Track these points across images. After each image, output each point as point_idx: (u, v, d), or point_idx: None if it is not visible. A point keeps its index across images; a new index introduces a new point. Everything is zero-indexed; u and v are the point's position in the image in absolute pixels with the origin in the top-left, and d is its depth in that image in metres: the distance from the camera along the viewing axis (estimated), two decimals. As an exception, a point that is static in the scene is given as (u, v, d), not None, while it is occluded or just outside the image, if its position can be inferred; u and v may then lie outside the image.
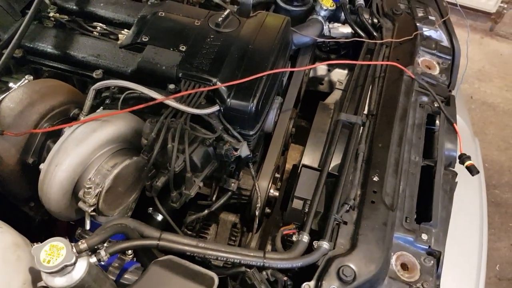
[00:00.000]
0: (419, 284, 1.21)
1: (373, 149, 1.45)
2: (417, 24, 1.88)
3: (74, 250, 0.99)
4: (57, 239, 0.98)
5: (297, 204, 1.37)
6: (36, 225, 1.53)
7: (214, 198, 1.57)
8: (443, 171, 1.47)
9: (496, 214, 3.24)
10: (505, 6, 4.34)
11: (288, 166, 1.93)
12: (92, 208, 1.27)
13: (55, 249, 0.97)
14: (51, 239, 0.98)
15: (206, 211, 1.51)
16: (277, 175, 1.70)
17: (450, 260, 1.33)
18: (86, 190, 1.26)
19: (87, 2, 1.73)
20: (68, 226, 1.56)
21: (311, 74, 2.17)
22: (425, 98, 1.65)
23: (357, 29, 1.92)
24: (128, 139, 1.39)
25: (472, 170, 1.49)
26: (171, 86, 1.45)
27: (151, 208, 1.47)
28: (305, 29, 1.85)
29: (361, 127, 1.53)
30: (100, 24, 1.72)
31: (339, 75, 2.13)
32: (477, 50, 4.32)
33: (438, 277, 1.26)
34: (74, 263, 0.97)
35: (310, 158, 1.57)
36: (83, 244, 1.02)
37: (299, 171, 1.45)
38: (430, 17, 1.93)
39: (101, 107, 1.45)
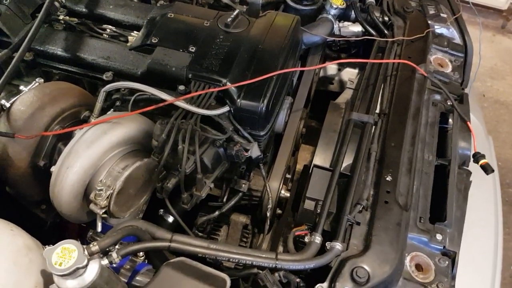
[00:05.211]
0: (434, 285, 1.19)
1: (385, 149, 1.43)
2: (429, 22, 1.86)
3: (86, 252, 0.98)
4: (69, 242, 0.98)
5: (309, 204, 1.36)
6: (48, 227, 1.53)
7: (225, 200, 1.56)
8: (457, 170, 1.45)
9: (510, 214, 3.19)
10: (517, 3, 4.29)
11: (299, 166, 1.92)
12: (103, 210, 1.27)
13: (67, 251, 0.97)
14: (63, 241, 0.98)
15: (217, 213, 1.51)
16: (288, 176, 1.69)
17: (465, 260, 1.31)
18: (97, 192, 1.26)
19: (97, 5, 1.74)
20: (79, 228, 1.57)
21: (321, 74, 2.16)
22: (438, 97, 1.63)
23: (368, 27, 1.91)
24: (139, 141, 1.39)
25: (487, 169, 1.47)
26: (181, 87, 1.44)
27: (162, 210, 1.46)
28: (315, 29, 1.84)
29: (373, 126, 1.51)
30: (110, 26, 1.72)
31: (350, 74, 2.11)
32: (489, 47, 4.27)
33: (453, 277, 1.24)
34: (86, 266, 0.97)
35: (322, 158, 1.56)
36: (94, 247, 1.02)
37: (310, 171, 1.43)
38: (441, 14, 1.91)
39: (112, 109, 1.45)
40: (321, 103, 1.87)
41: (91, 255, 1.00)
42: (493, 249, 1.73)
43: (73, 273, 0.95)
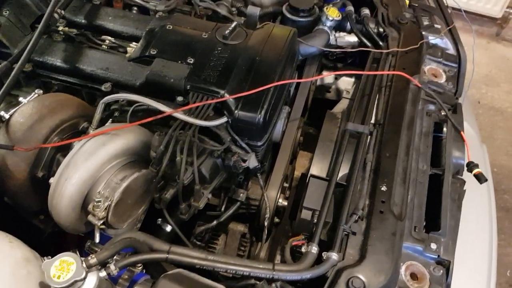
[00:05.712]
0: (428, 293, 1.20)
1: (380, 159, 1.45)
2: (423, 33, 1.88)
3: (84, 265, 0.99)
4: (67, 254, 0.99)
5: (305, 214, 1.37)
6: (46, 237, 1.54)
7: (223, 209, 1.57)
8: (451, 180, 1.46)
9: (506, 220, 3.21)
10: (511, 11, 4.33)
11: (297, 173, 1.93)
12: (101, 222, 1.28)
13: (65, 264, 0.97)
14: (61, 254, 0.99)
15: (215, 222, 1.52)
16: (286, 185, 1.70)
17: (460, 268, 1.32)
18: (95, 203, 1.26)
19: (96, 16, 1.75)
20: (77, 238, 1.57)
21: (318, 83, 2.18)
22: (432, 107, 1.65)
23: (363, 38, 1.93)
24: (137, 152, 1.40)
25: (480, 178, 1.48)
26: (179, 99, 1.46)
27: (160, 219, 1.48)
28: (312, 40, 1.86)
29: (369, 137, 1.53)
30: (109, 38, 1.73)
31: (346, 83, 2.13)
32: (484, 55, 4.31)
33: (448, 286, 1.25)
34: (84, 278, 0.98)
35: (318, 167, 1.57)
36: (93, 259, 1.03)
37: (307, 181, 1.45)
38: (435, 25, 1.93)
39: (110, 120, 1.46)
40: (319, 110, 1.89)
41: (89, 267, 1.01)
42: (488, 255, 1.74)
43: (71, 286, 0.96)
